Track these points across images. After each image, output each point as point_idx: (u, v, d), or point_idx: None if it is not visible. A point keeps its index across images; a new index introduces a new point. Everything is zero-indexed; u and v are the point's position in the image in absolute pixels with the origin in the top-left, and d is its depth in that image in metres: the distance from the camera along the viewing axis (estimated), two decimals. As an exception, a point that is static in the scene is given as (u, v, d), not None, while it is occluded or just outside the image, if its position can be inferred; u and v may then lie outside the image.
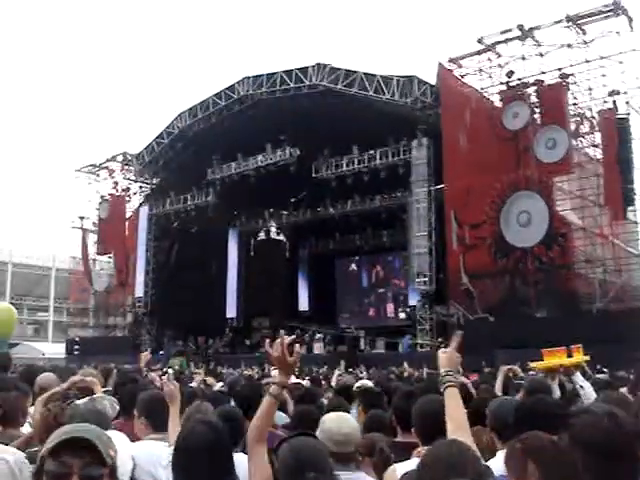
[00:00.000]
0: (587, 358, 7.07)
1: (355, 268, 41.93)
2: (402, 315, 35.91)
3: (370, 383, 9.08)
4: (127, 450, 2.61)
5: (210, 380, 10.40)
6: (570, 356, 6.84)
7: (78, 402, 4.15)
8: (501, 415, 4.25)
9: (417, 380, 12.75)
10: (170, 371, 5.28)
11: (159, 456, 4.14)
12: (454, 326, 26.54)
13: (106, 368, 9.61)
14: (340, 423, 3.98)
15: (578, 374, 6.48)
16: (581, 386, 6.28)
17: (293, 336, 3.93)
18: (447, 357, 3.62)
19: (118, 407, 4.81)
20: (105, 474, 2.21)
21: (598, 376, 11.75)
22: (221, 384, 10.52)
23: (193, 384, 9.44)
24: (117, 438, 2.91)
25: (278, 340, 3.54)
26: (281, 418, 6.07)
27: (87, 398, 4.45)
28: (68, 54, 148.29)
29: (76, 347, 39.63)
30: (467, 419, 3.41)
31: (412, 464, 3.49)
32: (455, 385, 3.48)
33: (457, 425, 3.29)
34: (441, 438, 3.54)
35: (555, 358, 6.86)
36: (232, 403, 6.48)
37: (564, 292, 25.01)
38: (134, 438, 4.46)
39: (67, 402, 4.25)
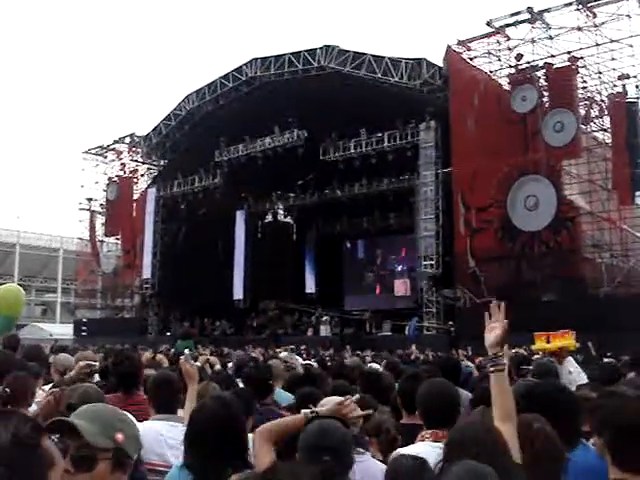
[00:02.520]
0: (576, 344, 7.05)
1: (362, 251, 41.96)
2: (408, 298, 35.81)
3: (378, 366, 9.08)
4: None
5: (213, 359, 10.42)
6: (561, 338, 6.85)
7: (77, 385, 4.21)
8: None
9: (423, 363, 12.81)
10: (187, 351, 5.32)
11: (166, 436, 4.18)
12: (459, 309, 26.63)
13: (112, 349, 9.69)
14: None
15: (570, 359, 6.47)
16: (570, 371, 6.27)
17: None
18: (496, 336, 3.38)
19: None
20: (101, 458, 2.27)
21: (604, 360, 11.79)
22: (230, 364, 10.57)
23: (197, 364, 9.46)
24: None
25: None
26: (285, 399, 6.11)
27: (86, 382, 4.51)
28: (77, 36, 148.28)
29: (83, 328, 39.86)
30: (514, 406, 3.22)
31: (416, 448, 3.52)
32: (503, 369, 3.28)
33: (503, 413, 3.13)
34: (446, 421, 3.57)
35: (543, 340, 6.86)
36: (240, 384, 6.53)
37: (571, 277, 24.98)
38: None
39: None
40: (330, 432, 3.08)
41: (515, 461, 2.79)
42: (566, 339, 6.71)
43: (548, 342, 6.71)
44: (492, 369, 3.29)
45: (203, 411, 3.37)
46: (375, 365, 9.52)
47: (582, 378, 6.17)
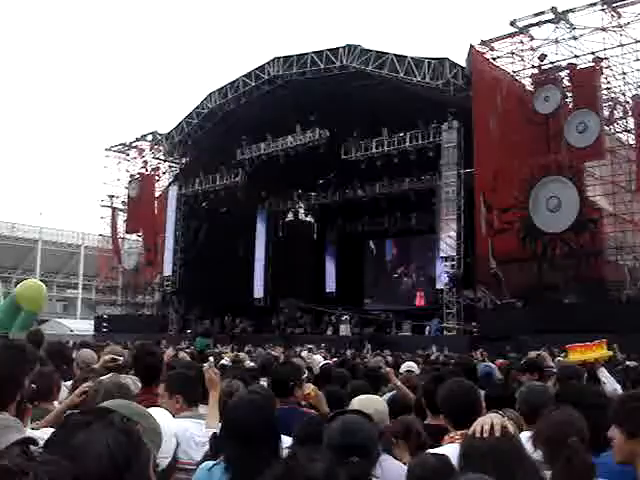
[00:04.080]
0: (610, 353, 7.05)
1: (383, 251, 41.89)
2: (429, 298, 35.72)
3: (415, 366, 9.07)
4: (170, 427, 2.60)
5: (243, 356, 10.45)
6: (594, 350, 6.85)
7: (102, 377, 4.21)
8: (534, 401, 4.28)
9: (443, 364, 12.77)
10: (211, 359, 5.36)
11: (193, 433, 4.20)
12: (481, 310, 26.56)
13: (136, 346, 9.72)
14: (366, 404, 4.02)
15: (603, 369, 6.46)
16: (604, 382, 6.26)
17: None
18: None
19: (140, 385, 4.87)
20: None
21: (627, 363, 11.72)
22: (252, 363, 10.59)
23: (224, 362, 9.50)
24: (160, 415, 2.93)
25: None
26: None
27: (111, 374, 4.51)
28: (102, 34, 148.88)
29: (104, 324, 40.04)
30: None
31: (448, 449, 3.51)
32: None
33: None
34: (472, 421, 3.56)
35: (578, 353, 6.86)
36: (262, 382, 6.53)
37: (593, 279, 24.84)
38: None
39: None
40: (356, 429, 3.05)
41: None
42: (600, 350, 6.71)
43: (583, 354, 6.73)
44: None
45: (246, 406, 3.35)
46: (411, 363, 9.48)
47: (616, 388, 6.16)
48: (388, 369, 7.62)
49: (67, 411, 4.02)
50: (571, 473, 2.91)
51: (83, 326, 46.33)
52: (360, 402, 4.08)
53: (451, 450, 3.17)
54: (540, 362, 7.86)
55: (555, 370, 7.35)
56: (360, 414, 3.25)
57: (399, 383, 6.58)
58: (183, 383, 4.72)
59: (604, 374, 6.35)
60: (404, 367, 8.82)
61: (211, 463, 3.33)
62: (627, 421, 2.87)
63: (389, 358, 14.21)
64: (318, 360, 10.48)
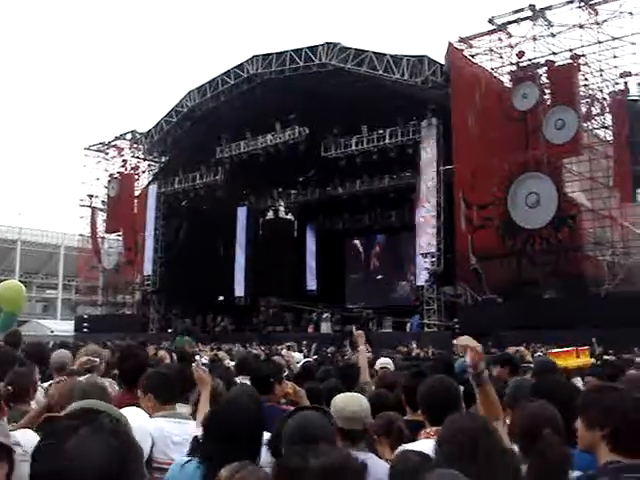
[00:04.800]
0: (592, 361, 7.14)
1: (363, 248, 41.90)
2: (409, 295, 35.78)
3: (391, 362, 9.05)
4: (145, 427, 2.58)
5: (222, 354, 10.44)
6: (578, 357, 6.92)
7: (80, 378, 4.19)
8: (519, 394, 4.32)
9: (424, 359, 12.82)
10: (198, 357, 5.35)
11: (170, 432, 4.18)
12: (462, 306, 26.66)
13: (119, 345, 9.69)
14: (348, 401, 4.02)
15: (578, 379, 6.56)
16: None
17: None
18: (475, 362, 3.56)
19: (117, 388, 4.85)
20: None
21: (606, 357, 11.82)
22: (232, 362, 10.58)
23: (203, 361, 9.48)
24: (135, 414, 2.91)
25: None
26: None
27: (88, 374, 4.49)
28: (80, 32, 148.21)
29: (85, 325, 39.83)
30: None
31: (422, 445, 3.52)
32: (487, 383, 3.60)
33: (490, 416, 3.38)
34: (446, 417, 3.59)
35: (561, 360, 6.92)
36: (239, 380, 6.52)
37: (572, 274, 24.99)
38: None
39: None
40: (311, 424, 3.08)
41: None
42: (583, 357, 6.77)
43: (566, 360, 6.80)
44: (477, 386, 3.59)
45: (235, 405, 3.36)
46: (386, 359, 9.47)
47: None
48: (358, 332, 7.68)
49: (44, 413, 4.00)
50: (546, 465, 2.94)
51: (63, 327, 46.09)
52: (343, 400, 4.07)
53: (426, 446, 3.18)
54: (512, 356, 7.92)
55: (532, 365, 7.41)
56: (319, 411, 3.28)
57: (362, 347, 6.67)
58: (155, 382, 4.69)
59: (579, 383, 6.43)
60: (379, 363, 8.78)
61: (184, 459, 3.33)
62: (585, 412, 2.95)
63: (369, 354, 14.20)
64: (298, 358, 10.49)
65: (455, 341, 3.86)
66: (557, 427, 3.19)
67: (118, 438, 1.65)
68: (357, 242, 42.22)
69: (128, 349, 5.76)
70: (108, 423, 1.69)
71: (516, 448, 3.18)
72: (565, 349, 7.40)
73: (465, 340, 3.66)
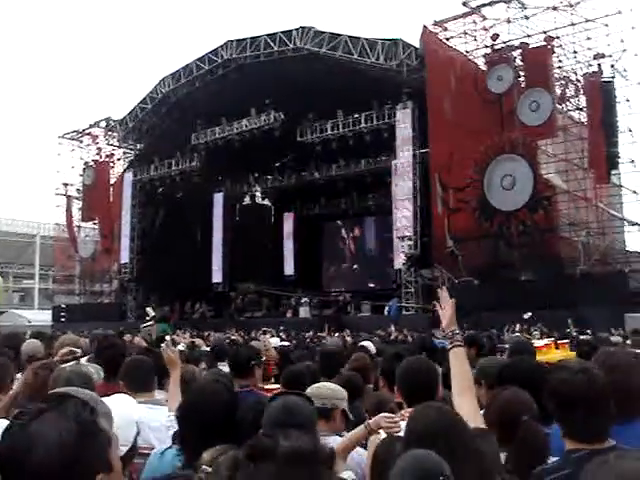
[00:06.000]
0: (573, 354, 7.19)
1: (340, 232, 41.92)
2: (387, 279, 35.88)
3: (372, 346, 9.07)
4: (130, 414, 2.55)
5: (198, 341, 10.43)
6: (557, 348, 6.97)
7: (63, 365, 4.16)
8: (490, 371, 4.34)
9: (402, 342, 12.87)
10: (168, 338, 5.30)
11: (147, 418, 4.17)
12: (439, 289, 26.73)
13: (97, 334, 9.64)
14: (323, 385, 4.06)
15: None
16: None
17: None
18: (450, 316, 3.74)
19: (103, 374, 4.84)
20: None
21: (581, 337, 11.91)
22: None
23: (180, 347, 9.47)
24: (121, 402, 2.90)
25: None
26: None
27: (73, 362, 4.47)
28: (53, 19, 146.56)
29: (62, 314, 39.63)
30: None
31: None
32: (462, 344, 3.62)
33: (462, 387, 3.43)
34: (426, 398, 3.59)
35: (541, 354, 6.97)
36: (220, 365, 6.53)
37: (548, 255, 25.17)
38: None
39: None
40: (296, 409, 3.09)
41: (480, 428, 3.02)
42: (563, 351, 6.82)
43: (546, 354, 6.85)
44: (451, 346, 3.63)
45: (206, 392, 3.37)
46: (367, 343, 9.50)
47: None
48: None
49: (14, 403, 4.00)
50: (526, 452, 2.97)
51: (41, 316, 45.70)
52: (317, 386, 4.10)
53: (404, 427, 3.20)
54: (478, 337, 7.98)
55: (507, 346, 7.46)
56: (301, 397, 3.28)
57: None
58: (128, 369, 4.71)
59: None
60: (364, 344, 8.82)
61: (163, 447, 3.33)
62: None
63: (348, 339, 14.27)
64: (274, 342, 10.49)
65: (439, 290, 3.87)
66: (533, 413, 3.21)
67: (80, 424, 1.66)
68: (334, 226, 42.23)
69: (106, 339, 5.74)
70: (72, 408, 1.70)
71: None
72: (545, 342, 7.46)
73: (445, 293, 3.72)
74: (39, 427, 1.61)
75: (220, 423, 3.19)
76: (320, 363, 6.50)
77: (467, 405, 3.22)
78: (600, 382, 2.84)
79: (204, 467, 2.52)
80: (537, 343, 7.42)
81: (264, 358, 6.21)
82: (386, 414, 3.59)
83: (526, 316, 14.72)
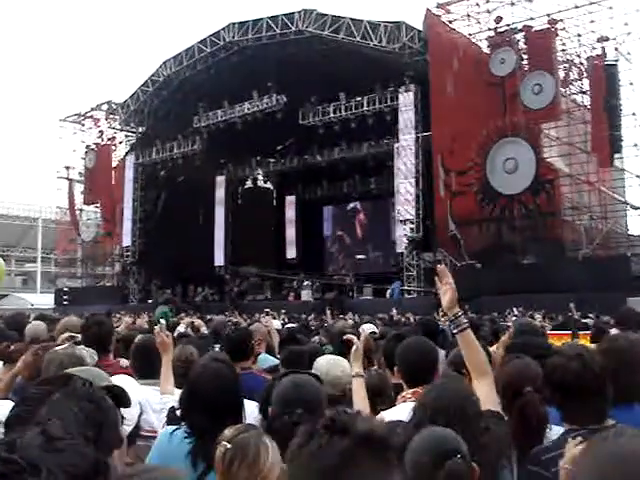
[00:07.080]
0: (593, 346, 7.18)
1: (343, 215, 41.91)
2: (389, 262, 35.88)
3: (375, 328, 9.05)
4: (133, 394, 2.55)
5: (198, 323, 10.43)
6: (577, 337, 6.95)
7: (57, 348, 4.16)
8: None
9: (405, 325, 12.87)
10: (162, 321, 5.28)
11: (151, 401, 4.19)
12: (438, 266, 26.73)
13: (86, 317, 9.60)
14: (331, 366, 4.04)
15: None
16: None
17: None
18: (450, 298, 3.45)
19: (96, 358, 4.84)
20: None
21: (583, 321, 11.91)
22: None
23: (181, 328, 9.49)
24: (124, 382, 2.90)
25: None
26: (266, 360, 6.14)
27: (67, 344, 4.47)
28: (53, 3, 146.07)
29: (65, 297, 39.68)
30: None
31: (400, 410, 3.53)
32: (467, 328, 3.38)
33: (478, 370, 3.31)
34: (425, 379, 3.59)
35: (556, 339, 6.96)
36: (216, 348, 6.54)
37: (550, 239, 25.16)
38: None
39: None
40: (304, 387, 3.10)
41: (495, 411, 3.01)
42: (587, 339, 6.79)
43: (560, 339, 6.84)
44: (456, 331, 3.40)
45: (207, 372, 3.35)
46: (370, 325, 9.48)
47: None
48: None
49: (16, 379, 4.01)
50: (523, 423, 2.97)
51: (44, 300, 45.82)
52: (326, 364, 4.09)
53: (405, 410, 3.19)
54: (476, 321, 7.97)
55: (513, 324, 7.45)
56: (311, 375, 3.29)
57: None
58: (142, 353, 4.75)
59: None
60: (364, 329, 8.78)
61: (173, 427, 3.32)
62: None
63: (350, 322, 14.25)
64: (275, 325, 10.49)
65: (438, 266, 3.72)
66: (538, 385, 3.19)
67: (92, 402, 1.63)
68: (336, 210, 42.22)
69: (92, 317, 5.70)
70: (81, 387, 1.67)
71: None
72: (563, 332, 7.44)
73: (444, 270, 3.61)
74: (51, 409, 1.58)
75: (228, 402, 3.22)
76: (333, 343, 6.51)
77: (483, 389, 3.15)
78: (595, 367, 2.84)
79: (224, 443, 2.54)
80: (553, 332, 7.40)
81: (256, 339, 6.19)
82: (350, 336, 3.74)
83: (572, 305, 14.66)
